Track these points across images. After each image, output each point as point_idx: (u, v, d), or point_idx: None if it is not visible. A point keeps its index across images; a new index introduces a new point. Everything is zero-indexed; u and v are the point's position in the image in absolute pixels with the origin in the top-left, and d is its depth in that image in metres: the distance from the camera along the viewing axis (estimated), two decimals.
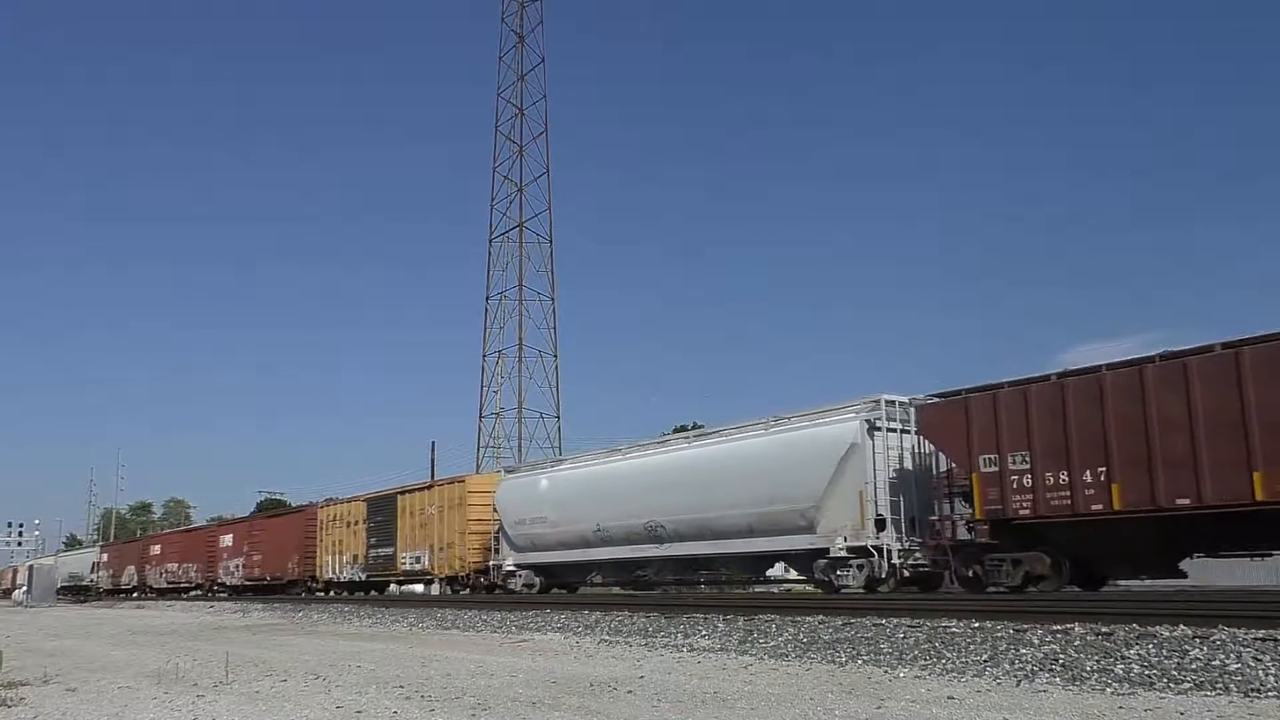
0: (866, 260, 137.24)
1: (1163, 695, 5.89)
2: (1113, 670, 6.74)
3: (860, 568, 16.89)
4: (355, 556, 32.23)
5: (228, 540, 42.04)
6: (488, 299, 55.65)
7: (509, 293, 54.93)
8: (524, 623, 14.25)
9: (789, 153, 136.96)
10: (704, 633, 11.24)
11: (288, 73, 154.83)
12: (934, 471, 16.72)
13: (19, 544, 75.20)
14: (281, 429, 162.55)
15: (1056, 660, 7.31)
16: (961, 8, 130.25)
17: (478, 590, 26.71)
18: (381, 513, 31.15)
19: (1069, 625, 9.14)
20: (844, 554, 17.09)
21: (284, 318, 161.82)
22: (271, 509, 52.91)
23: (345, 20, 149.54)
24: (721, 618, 12.60)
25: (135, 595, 50.06)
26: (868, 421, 17.20)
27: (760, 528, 18.53)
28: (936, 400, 16.60)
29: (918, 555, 16.66)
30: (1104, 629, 8.78)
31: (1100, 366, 14.40)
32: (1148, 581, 13.64)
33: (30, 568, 56.34)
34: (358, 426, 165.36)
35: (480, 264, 56.89)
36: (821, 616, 11.71)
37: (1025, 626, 9.37)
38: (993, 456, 15.06)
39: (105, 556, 60.48)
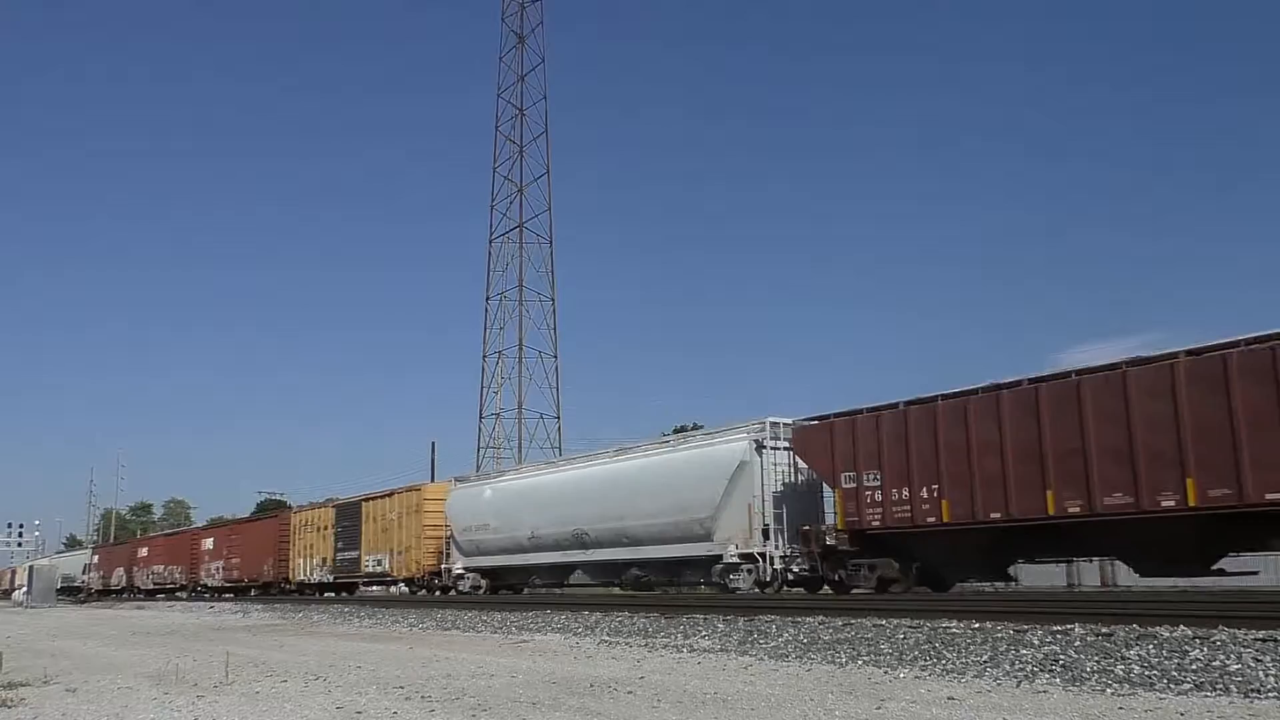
0: (867, 260, 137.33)
1: (1163, 696, 5.89)
2: (1113, 671, 6.74)
3: (749, 572, 18.85)
4: (324, 559, 34.03)
5: (209, 544, 43.97)
6: (488, 299, 55.72)
7: (509, 293, 54.99)
8: (524, 623, 14.26)
9: (790, 152, 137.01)
10: (704, 633, 11.25)
11: (287, 73, 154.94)
12: (808, 486, 18.81)
13: (19, 545, 75.20)
14: (282, 429, 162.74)
15: (1057, 661, 7.31)
16: (962, 6, 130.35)
17: (431, 591, 28.48)
18: (347, 518, 32.97)
19: (1069, 626, 9.14)
20: (736, 560, 19.08)
21: (284, 318, 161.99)
22: (271, 509, 53.12)
23: (345, 20, 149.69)
24: (721, 618, 12.62)
25: (124, 596, 51.89)
26: (756, 441, 19.29)
27: (669, 536, 20.65)
28: (809, 423, 18.57)
29: (799, 560, 18.40)
30: (1104, 629, 8.79)
31: (936, 397, 16.41)
32: (1132, 585, 14.39)
33: (30, 568, 56.55)
34: (358, 427, 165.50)
35: (480, 264, 57.00)
36: (822, 617, 11.73)
37: (1025, 627, 9.38)
38: (852, 474, 17.18)
39: (96, 558, 62.02)
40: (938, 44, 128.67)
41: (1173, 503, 13.29)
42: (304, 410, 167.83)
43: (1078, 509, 14.22)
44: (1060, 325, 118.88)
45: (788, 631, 10.55)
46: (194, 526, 59.97)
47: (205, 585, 43.59)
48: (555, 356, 54.87)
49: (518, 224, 55.36)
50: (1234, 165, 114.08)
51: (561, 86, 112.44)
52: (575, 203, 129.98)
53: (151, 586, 49.35)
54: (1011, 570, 16.59)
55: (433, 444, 65.29)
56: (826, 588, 18.36)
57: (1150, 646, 7.61)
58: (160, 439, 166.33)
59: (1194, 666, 6.71)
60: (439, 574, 28.45)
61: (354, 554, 32.25)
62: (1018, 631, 9.09)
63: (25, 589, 49.02)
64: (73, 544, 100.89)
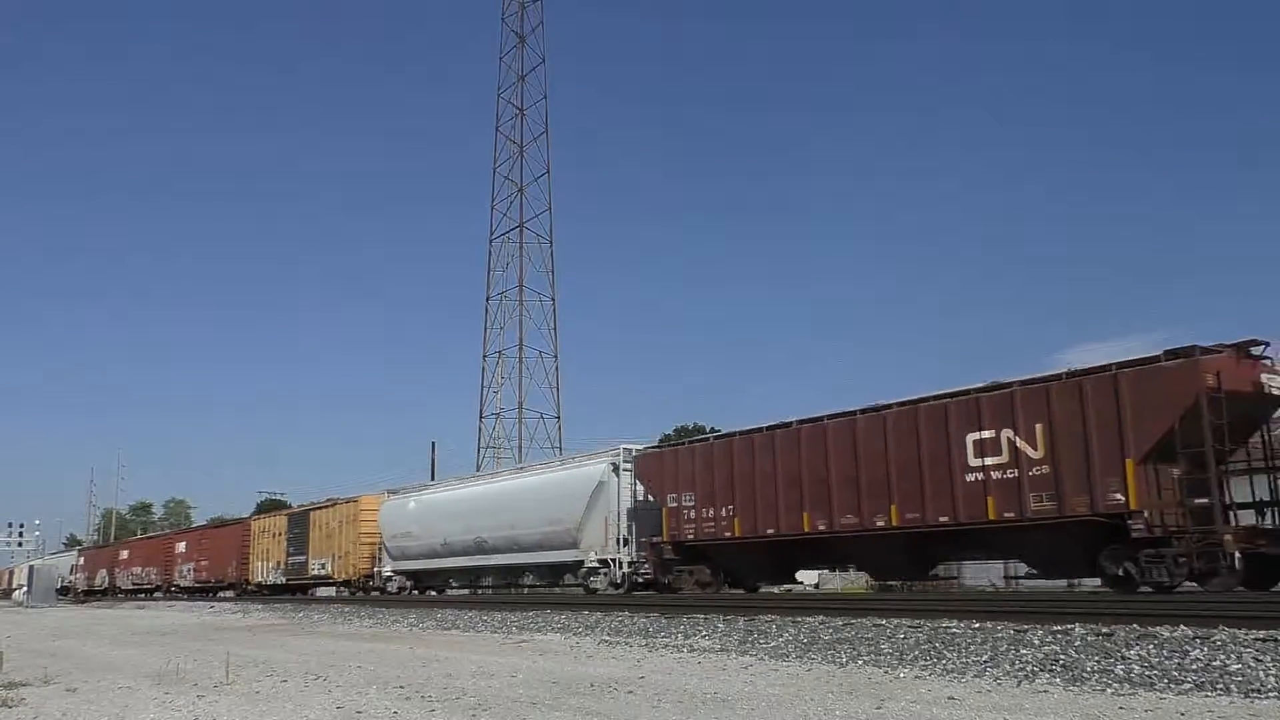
0: (868, 259, 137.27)
1: (1163, 696, 5.89)
2: (1113, 671, 6.74)
3: (604, 575, 22.36)
4: (278, 563, 37.44)
5: (181, 547, 47.52)
6: (488, 299, 55.80)
7: (509, 293, 55.06)
8: (524, 623, 14.26)
9: (790, 152, 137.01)
10: (704, 633, 11.24)
11: (286, 73, 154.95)
12: (654, 504, 21.78)
13: (19, 544, 75.28)
14: (282, 429, 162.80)
15: (1057, 660, 7.30)
16: (965, 5, 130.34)
17: (366, 592, 31.72)
18: (298, 526, 36.40)
19: (1070, 626, 9.13)
20: (595, 564, 22.59)
21: (285, 318, 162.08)
22: (271, 509, 53.35)
23: (345, 20, 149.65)
24: (722, 618, 12.61)
25: (106, 595, 54.64)
26: (613, 465, 22.67)
27: (547, 544, 24.08)
28: (648, 451, 22.46)
29: (645, 566, 21.59)
30: (1104, 629, 8.78)
31: (735, 432, 19.96)
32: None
33: (31, 568, 56.90)
34: (359, 427, 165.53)
35: (480, 264, 57.01)
36: (822, 617, 11.72)
37: (1026, 627, 9.37)
38: (674, 495, 20.62)
39: (82, 560, 64.46)
40: (938, 43, 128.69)
41: (883, 523, 16.59)
42: (305, 410, 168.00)
43: (823, 527, 17.57)
44: (1061, 325, 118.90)
45: (788, 631, 10.55)
46: (167, 532, 63.90)
47: (178, 585, 46.47)
48: (555, 356, 55.02)
49: (518, 224, 55.39)
50: (1235, 163, 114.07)
51: (562, 87, 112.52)
52: (576, 202, 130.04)
53: (131, 587, 52.39)
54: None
55: (433, 444, 65.23)
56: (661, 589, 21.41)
57: (1150, 646, 7.61)
58: (160, 439, 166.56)
59: (1194, 666, 6.71)
60: (372, 576, 31.84)
61: (303, 558, 35.48)
62: (1018, 631, 9.09)
63: (25, 589, 49.19)
64: (73, 544, 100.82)
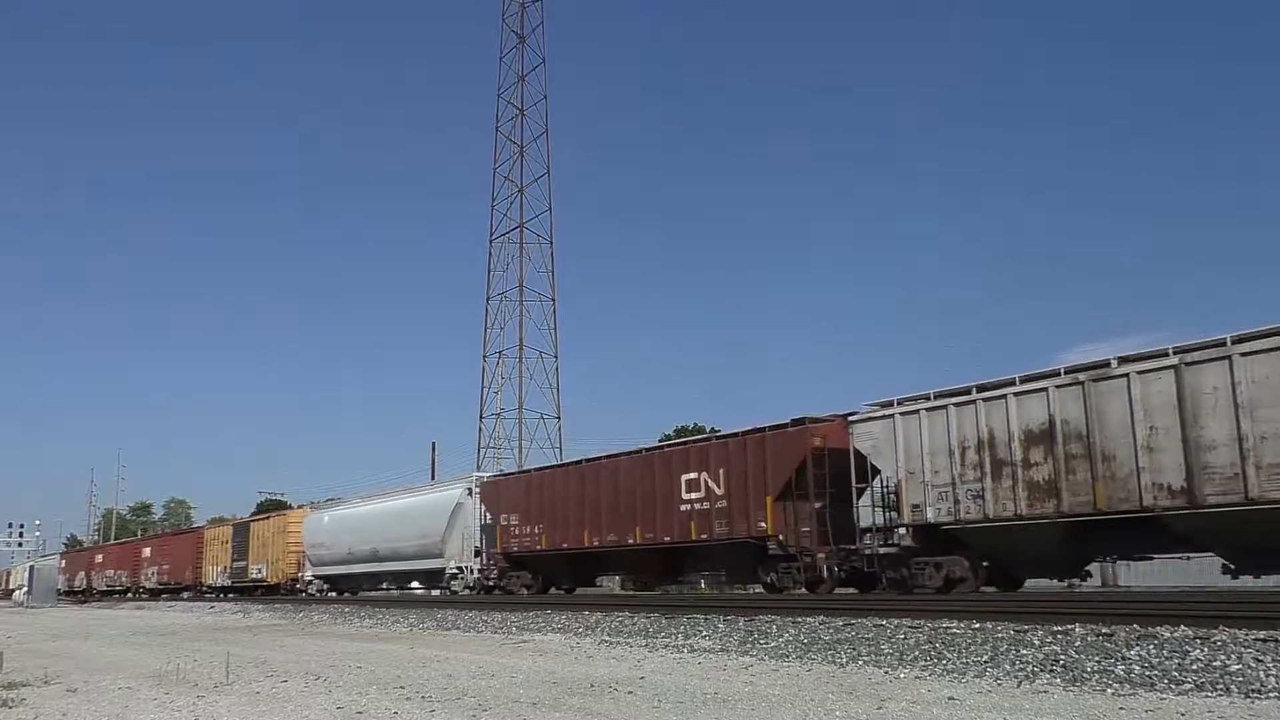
0: (868, 260, 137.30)
1: (1163, 696, 5.89)
2: (1113, 671, 6.73)
3: (462, 580, 27.56)
4: (224, 567, 42.10)
5: (147, 552, 52.22)
6: (488, 300, 55.79)
7: (509, 293, 55.05)
8: (524, 624, 14.25)
9: (790, 153, 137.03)
10: (704, 633, 11.24)
11: (286, 74, 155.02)
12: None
13: (19, 545, 75.39)
14: (283, 429, 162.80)
15: (1057, 661, 7.30)
16: (964, 8, 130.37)
17: (290, 593, 36.26)
18: (240, 535, 41.27)
19: (1070, 626, 9.13)
20: (455, 570, 28.02)
21: (286, 318, 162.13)
22: (271, 510, 53.72)
23: (345, 21, 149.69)
24: (722, 618, 12.61)
25: (84, 595, 57.87)
26: (468, 489, 27.84)
27: (422, 553, 29.27)
28: (489, 479, 27.49)
29: (493, 572, 26.22)
30: (1105, 630, 8.77)
31: (545, 467, 26.21)
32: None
33: (31, 568, 57.38)
34: (359, 427, 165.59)
35: (481, 264, 57.05)
36: (822, 617, 11.72)
37: (1026, 627, 9.37)
38: (506, 515, 25.50)
39: (64, 563, 67.66)
40: (937, 44, 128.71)
41: (632, 540, 21.23)
42: (305, 410, 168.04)
43: (597, 543, 22.21)
44: (1062, 325, 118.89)
45: (788, 632, 10.55)
46: (136, 538, 68.52)
47: (144, 587, 50.68)
48: (555, 356, 55.00)
49: (518, 224, 55.39)
50: (1234, 163, 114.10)
51: (562, 87, 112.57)
52: (576, 203, 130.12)
53: (105, 588, 56.27)
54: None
55: (433, 444, 65.04)
56: (519, 591, 25.55)
57: (1151, 646, 7.60)
58: (161, 439, 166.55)
59: (1194, 667, 6.70)
60: (297, 580, 36.84)
61: (244, 564, 40.27)
62: (1018, 632, 9.08)
63: (25, 589, 49.56)
64: (73, 544, 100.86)
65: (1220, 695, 5.83)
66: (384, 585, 32.73)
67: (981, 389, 15.58)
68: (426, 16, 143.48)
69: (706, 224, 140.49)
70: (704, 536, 19.51)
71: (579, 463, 24.02)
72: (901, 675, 7.13)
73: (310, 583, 35.63)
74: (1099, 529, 14.33)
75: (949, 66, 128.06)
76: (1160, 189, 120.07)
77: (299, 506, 47.16)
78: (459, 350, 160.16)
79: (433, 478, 46.07)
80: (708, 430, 31.24)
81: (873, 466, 16.97)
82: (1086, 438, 14.16)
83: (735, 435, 19.60)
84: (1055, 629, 9.02)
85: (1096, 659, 7.23)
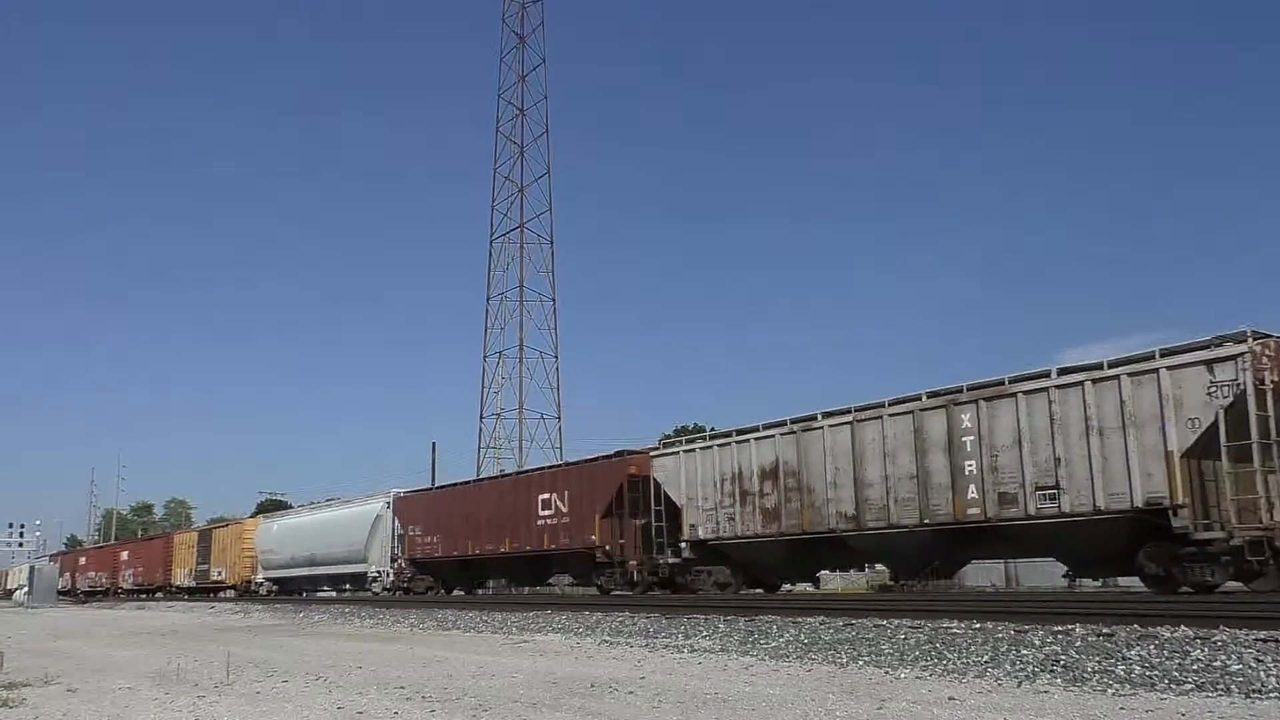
0: (868, 260, 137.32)
1: (1164, 696, 5.89)
2: (1114, 671, 6.73)
3: (379, 582, 32.09)
4: (190, 570, 46.50)
5: (124, 555, 56.61)
6: (488, 300, 55.78)
7: (510, 294, 55.04)
8: (525, 624, 14.25)
9: (790, 153, 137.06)
10: (705, 633, 11.24)
11: (286, 74, 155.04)
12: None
13: (19, 545, 75.36)
14: (284, 429, 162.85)
15: (1058, 661, 7.30)
16: (961, 11, 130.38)
17: (246, 594, 39.90)
18: (204, 541, 46.01)
19: (1070, 626, 9.13)
20: (375, 574, 32.55)
21: (286, 318, 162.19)
22: (271, 510, 54.07)
23: (346, 21, 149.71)
24: (722, 618, 12.60)
25: (69, 595, 60.36)
26: (386, 503, 32.39)
27: (349, 559, 33.78)
28: (401, 495, 31.94)
29: (406, 576, 30.22)
30: (1105, 630, 8.77)
31: (442, 485, 31.23)
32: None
33: (32, 569, 57.57)
34: (360, 427, 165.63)
35: (481, 265, 57.05)
36: (823, 617, 11.72)
37: (1026, 627, 9.37)
38: (413, 526, 30.01)
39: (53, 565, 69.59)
40: (937, 46, 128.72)
41: (504, 550, 25.68)
42: (306, 410, 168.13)
43: (479, 551, 26.74)
44: (1061, 326, 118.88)
45: (789, 632, 10.55)
46: (116, 542, 72.84)
47: (121, 588, 54.69)
48: (556, 357, 55.02)
49: (518, 224, 55.37)
50: (1234, 165, 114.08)
51: (563, 87, 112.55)
52: (576, 203, 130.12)
53: (87, 588, 59.92)
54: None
55: (433, 444, 65.28)
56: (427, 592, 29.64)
57: (1151, 647, 7.60)
58: (161, 439, 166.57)
59: (1195, 667, 6.70)
60: (250, 581, 40.83)
61: (206, 567, 44.83)
62: (1019, 632, 9.08)
63: (26, 589, 49.87)
64: (74, 544, 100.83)
65: (1221, 695, 5.83)
66: (323, 587, 36.77)
67: (741, 433, 19.47)
68: (426, 16, 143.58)
69: (706, 223, 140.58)
70: (554, 546, 23.87)
71: (468, 483, 29.59)
72: (902, 675, 7.13)
73: (261, 584, 39.83)
74: (807, 545, 18.31)
75: (949, 65, 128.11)
76: (1160, 190, 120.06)
77: (253, 515, 51.80)
78: (459, 350, 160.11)
79: (432, 477, 47.09)
80: (707, 430, 31.69)
81: (667, 493, 20.80)
82: (798, 475, 18.10)
83: (574, 464, 24.99)
84: (1056, 629, 9.02)
85: (1097, 659, 7.23)
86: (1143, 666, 6.82)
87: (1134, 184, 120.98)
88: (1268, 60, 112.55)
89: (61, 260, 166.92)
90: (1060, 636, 8.55)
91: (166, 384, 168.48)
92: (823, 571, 21.15)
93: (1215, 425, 12.81)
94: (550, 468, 26.16)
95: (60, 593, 59.77)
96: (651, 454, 21.36)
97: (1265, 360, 12.62)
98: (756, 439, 18.93)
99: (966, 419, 15.56)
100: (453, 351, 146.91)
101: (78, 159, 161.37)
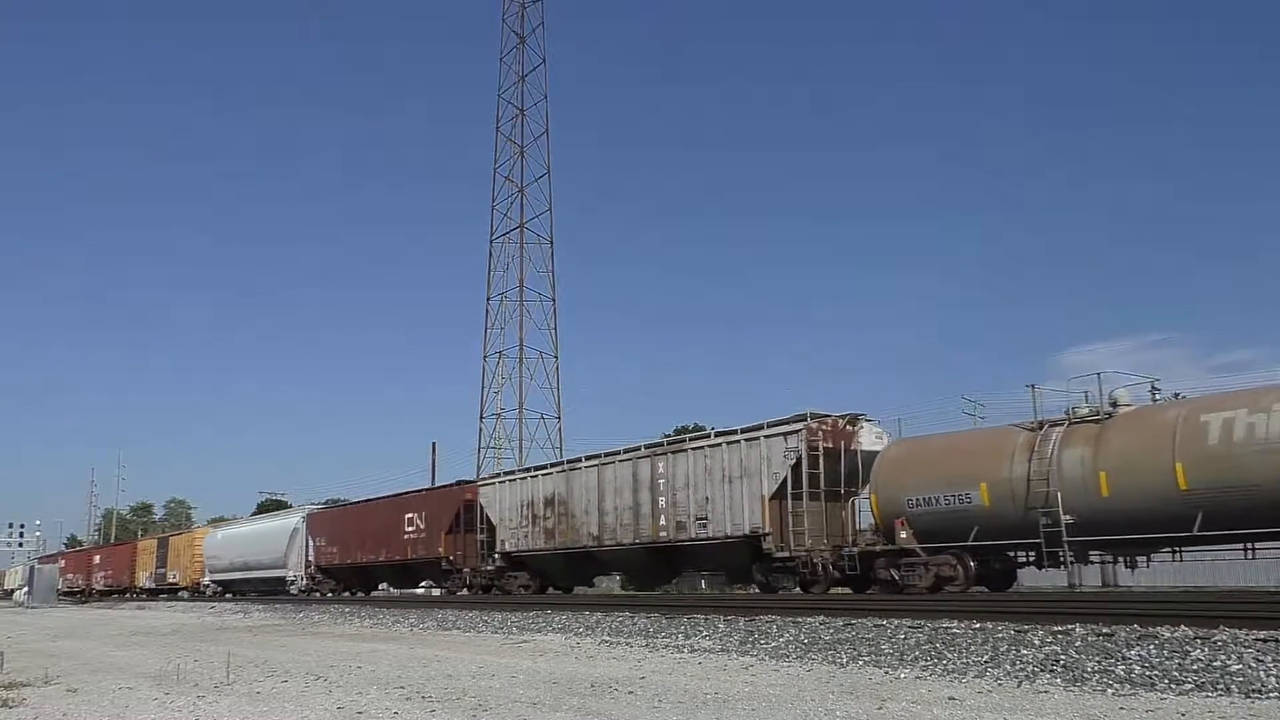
0: (869, 260, 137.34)
1: (1164, 696, 5.89)
2: (1114, 671, 6.73)
3: (295, 584, 37.14)
4: (150, 573, 51.49)
5: (97, 560, 62.24)
6: (489, 300, 55.76)
7: (510, 293, 55.01)
8: (525, 624, 14.25)
9: (790, 154, 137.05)
10: (705, 633, 11.24)
11: (286, 74, 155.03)
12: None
13: (20, 545, 75.33)
14: (284, 429, 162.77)
15: (1058, 661, 7.30)
16: (960, 13, 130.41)
17: (196, 596, 44.70)
18: (162, 547, 51.64)
19: (1070, 626, 9.13)
20: (293, 578, 37.55)
21: (286, 318, 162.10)
22: (271, 510, 54.38)
23: (346, 21, 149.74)
24: (722, 618, 12.60)
25: (82, 596, 62.59)
26: (303, 517, 38.00)
27: (273, 565, 38.84)
28: (313, 511, 37.73)
29: (317, 579, 35.85)
30: (1105, 630, 8.77)
31: (342, 503, 39.93)
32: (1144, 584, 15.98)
33: (32, 568, 57.66)
34: (359, 427, 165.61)
35: (481, 265, 57.07)
36: (823, 617, 11.71)
37: (1026, 627, 9.36)
38: (319, 538, 35.95)
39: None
40: (937, 48, 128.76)
41: (383, 559, 31.37)
42: (306, 410, 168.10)
43: (366, 560, 32.46)
44: (1061, 326, 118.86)
45: (789, 632, 10.54)
46: (89, 547, 78.66)
47: (94, 589, 59.00)
48: (556, 357, 55.00)
49: (518, 224, 55.35)
50: (1233, 166, 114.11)
51: (563, 87, 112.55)
52: (576, 202, 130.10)
53: (65, 589, 62.26)
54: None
55: (433, 444, 64.90)
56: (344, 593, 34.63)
57: (1151, 646, 7.60)
58: (162, 439, 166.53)
59: (1195, 667, 6.70)
60: (199, 583, 45.81)
61: (164, 570, 49.82)
62: (1018, 632, 9.08)
63: (26, 589, 50.02)
64: (73, 544, 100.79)
65: (1221, 695, 5.83)
66: (256, 589, 40.86)
67: (536, 469, 25.40)
68: (427, 16, 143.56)
69: (707, 223, 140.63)
70: (415, 556, 29.49)
71: (357, 503, 36.03)
72: (902, 675, 7.13)
73: (208, 585, 44.86)
74: (573, 557, 23.86)
75: (949, 66, 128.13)
76: (1160, 190, 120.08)
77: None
78: (459, 350, 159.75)
79: (433, 478, 47.56)
80: (707, 429, 32.00)
81: (488, 515, 26.48)
82: (567, 504, 23.70)
83: (430, 490, 31.57)
84: (1055, 629, 9.02)
85: (1097, 659, 7.23)
86: (1143, 666, 6.82)
87: (1134, 184, 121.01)
88: (1267, 60, 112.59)
89: (61, 260, 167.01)
90: (1060, 636, 8.55)
91: (166, 384, 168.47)
92: (599, 577, 27.65)
93: (787, 478, 18.15)
94: (413, 492, 32.00)
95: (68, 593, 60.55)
96: (480, 484, 27.64)
97: (818, 434, 18.05)
98: (544, 475, 24.62)
99: (661, 466, 20.94)
100: (453, 351, 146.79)
101: (78, 159, 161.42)
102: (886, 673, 7.30)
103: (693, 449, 20.26)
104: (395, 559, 30.55)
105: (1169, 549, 14.43)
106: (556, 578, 25.59)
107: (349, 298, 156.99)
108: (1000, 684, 6.55)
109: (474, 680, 7.67)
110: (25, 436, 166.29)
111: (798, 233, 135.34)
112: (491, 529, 26.22)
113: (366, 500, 34.45)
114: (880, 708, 5.75)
